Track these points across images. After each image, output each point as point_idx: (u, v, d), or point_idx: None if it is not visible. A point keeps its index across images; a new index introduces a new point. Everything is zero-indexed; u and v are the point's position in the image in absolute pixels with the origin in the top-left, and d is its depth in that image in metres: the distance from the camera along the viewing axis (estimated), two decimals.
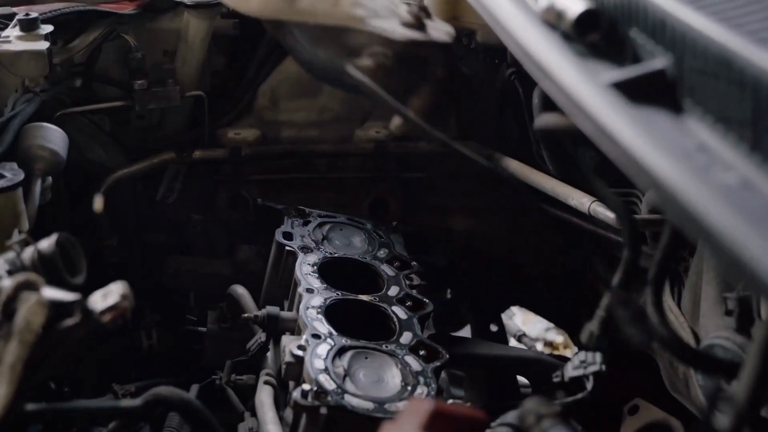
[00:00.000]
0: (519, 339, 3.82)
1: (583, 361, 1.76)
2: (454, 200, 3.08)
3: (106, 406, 1.38)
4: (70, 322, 1.34)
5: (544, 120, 1.54)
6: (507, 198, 2.99)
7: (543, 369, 2.56)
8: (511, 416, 1.44)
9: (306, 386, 1.88)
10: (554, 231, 3.03)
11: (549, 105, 2.42)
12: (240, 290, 2.50)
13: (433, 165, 3.04)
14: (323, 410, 1.85)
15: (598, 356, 1.76)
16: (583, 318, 2.92)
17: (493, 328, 3.26)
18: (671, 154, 0.97)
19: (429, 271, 2.57)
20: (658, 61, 1.19)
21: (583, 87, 1.20)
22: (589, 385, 1.73)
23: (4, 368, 1.29)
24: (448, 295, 3.07)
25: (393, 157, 2.97)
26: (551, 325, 5.14)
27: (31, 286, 1.35)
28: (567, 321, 3.30)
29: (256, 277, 2.69)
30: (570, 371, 1.75)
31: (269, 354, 2.32)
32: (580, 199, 2.32)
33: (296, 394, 1.87)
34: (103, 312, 1.38)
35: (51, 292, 1.36)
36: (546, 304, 3.22)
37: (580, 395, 1.75)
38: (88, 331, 1.35)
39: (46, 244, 1.52)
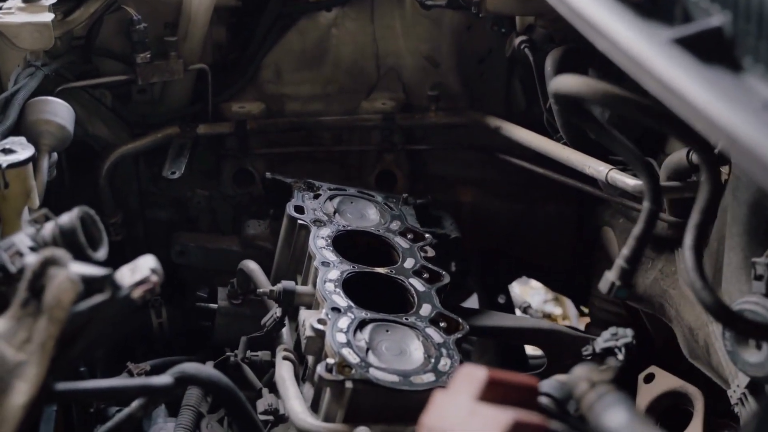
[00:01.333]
0: (524, 311, 3.80)
1: (614, 334, 1.74)
2: (460, 172, 3.05)
3: (137, 385, 1.33)
4: (100, 298, 1.30)
5: (561, 83, 1.50)
6: (514, 169, 2.95)
7: (558, 340, 2.54)
8: (549, 385, 1.41)
9: (330, 360, 1.85)
10: (565, 201, 3.00)
11: (564, 71, 2.40)
12: (251, 265, 2.45)
13: (439, 137, 3.00)
14: (348, 384, 1.82)
15: (629, 330, 1.74)
16: (592, 289, 2.92)
17: (501, 299, 3.24)
18: (741, 110, 0.94)
19: (441, 243, 2.54)
20: (715, 19, 1.16)
21: (645, 44, 1.17)
22: (621, 357, 1.70)
23: (34, 347, 1.25)
24: (453, 267, 3.04)
25: (399, 129, 2.92)
26: (549, 296, 5.14)
27: (57, 262, 1.30)
28: (577, 292, 3.27)
29: (266, 252, 2.65)
30: (601, 343, 1.73)
31: (285, 329, 2.29)
32: (597, 167, 2.29)
33: (320, 369, 1.84)
34: (133, 287, 1.34)
35: (79, 267, 1.32)
36: (555, 276, 3.19)
37: (616, 364, 1.73)
38: (119, 307, 1.31)
39: (67, 218, 1.47)
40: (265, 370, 2.30)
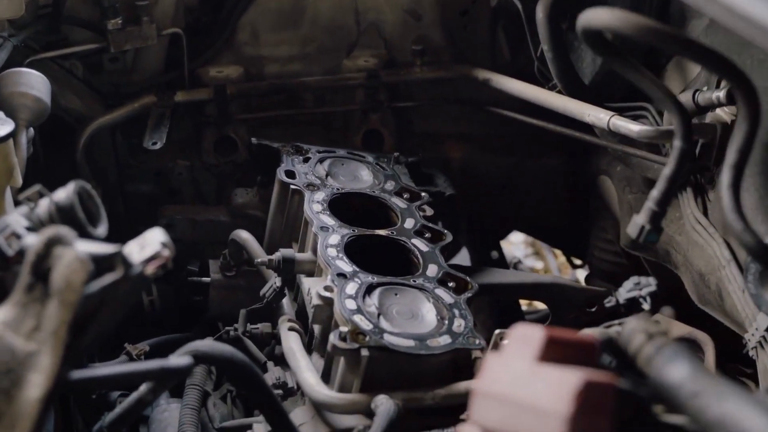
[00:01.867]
0: (515, 266, 3.76)
1: (637, 283, 1.67)
2: (448, 128, 2.97)
3: (155, 368, 1.24)
4: (112, 277, 1.20)
5: (591, 17, 1.41)
6: (503, 122, 2.88)
7: (562, 293, 2.48)
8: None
9: (343, 329, 1.77)
10: (557, 152, 2.94)
11: (558, 19, 2.33)
12: (244, 235, 2.36)
13: (425, 92, 2.92)
14: (365, 352, 1.75)
15: (652, 279, 1.67)
16: (589, 239, 2.87)
17: (494, 255, 3.18)
18: None
19: (437, 201, 2.47)
20: None
21: None
22: (648, 306, 1.64)
23: (44, 335, 1.15)
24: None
25: (384, 87, 2.83)
26: (530, 251, 5.12)
27: (63, 241, 1.20)
28: (570, 244, 3.23)
29: (256, 221, 2.56)
30: (624, 294, 1.66)
31: (286, 300, 2.20)
32: (597, 114, 2.22)
33: (333, 338, 1.76)
34: (145, 263, 1.25)
35: (86, 246, 1.22)
36: (548, 229, 3.14)
37: (639, 316, 1.67)
38: (133, 286, 1.21)
39: (63, 194, 1.37)
40: (267, 343, 2.22)
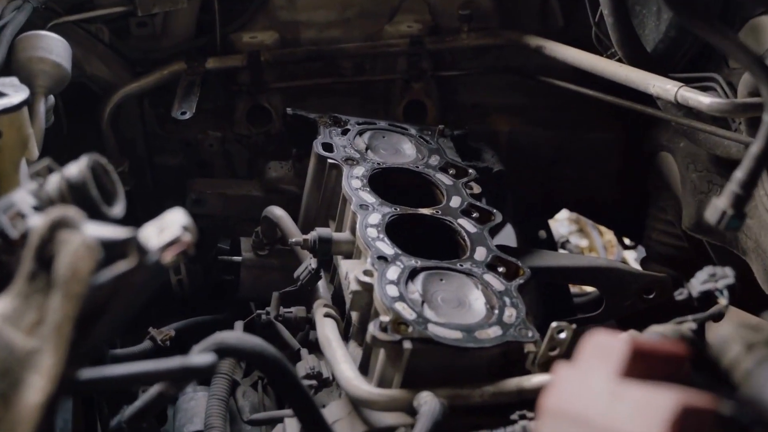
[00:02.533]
0: (563, 246, 3.58)
1: (712, 275, 1.50)
2: (495, 98, 2.80)
3: (176, 367, 1.10)
4: (125, 265, 1.05)
5: None
6: (553, 93, 2.70)
7: (619, 279, 2.30)
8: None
9: (384, 318, 1.61)
10: (611, 126, 2.75)
11: None
12: (278, 212, 2.21)
13: (471, 61, 2.74)
14: (407, 344, 1.59)
15: (728, 269, 1.49)
16: (647, 220, 2.68)
17: (542, 235, 3.01)
18: None
19: (484, 177, 2.30)
20: None
21: None
22: (725, 300, 1.46)
23: (47, 330, 1.01)
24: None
25: (428, 54, 2.65)
26: (574, 228, 4.92)
27: (69, 224, 1.06)
28: (622, 224, 3.04)
29: (291, 196, 2.41)
30: (698, 286, 1.49)
31: (321, 282, 2.05)
32: (664, 86, 2.02)
33: (373, 328, 1.60)
34: (163, 249, 1.10)
35: (96, 229, 1.07)
36: (600, 207, 2.95)
37: (715, 311, 1.50)
38: (149, 275, 1.06)
39: (75, 169, 1.22)
40: (301, 328, 2.08)
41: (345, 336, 1.91)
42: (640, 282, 2.31)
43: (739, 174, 1.37)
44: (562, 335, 1.61)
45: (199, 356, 1.13)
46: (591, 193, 2.89)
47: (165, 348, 1.95)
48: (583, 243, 4.80)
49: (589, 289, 3.14)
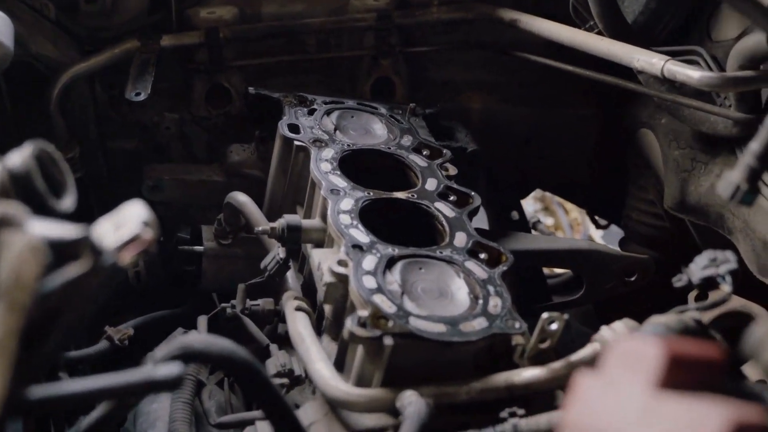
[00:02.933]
0: (534, 226, 3.49)
1: (713, 260, 1.40)
2: (466, 75, 2.68)
3: (138, 382, 0.97)
4: (77, 269, 0.92)
5: None
6: (527, 70, 2.59)
7: (600, 261, 2.22)
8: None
9: (362, 312, 1.49)
10: (586, 102, 2.65)
11: None
12: (241, 198, 2.07)
13: (442, 36, 2.62)
14: (388, 340, 1.47)
15: (730, 253, 1.40)
16: (626, 199, 2.59)
17: (514, 216, 2.90)
18: None
19: (458, 157, 2.18)
20: None
21: None
22: (728, 287, 1.37)
23: None
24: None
25: (396, 29, 2.52)
26: (539, 206, 4.85)
27: (11, 222, 0.92)
28: (598, 204, 2.95)
29: (255, 181, 2.28)
30: (698, 272, 1.39)
31: (290, 272, 1.93)
32: (649, 60, 1.92)
33: (351, 324, 1.48)
34: (121, 248, 0.96)
35: (43, 228, 0.93)
36: (576, 186, 2.85)
37: (718, 298, 1.40)
38: (105, 279, 0.93)
39: (18, 158, 1.08)
40: (269, 321, 1.95)
41: (317, 329, 1.79)
42: (622, 264, 2.23)
43: (755, 145, 1.27)
44: (553, 326, 1.51)
45: (164, 367, 1.00)
46: (566, 172, 2.80)
47: (123, 348, 1.81)
48: (549, 221, 4.74)
49: (560, 270, 3.06)
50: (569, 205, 4.67)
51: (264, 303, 1.94)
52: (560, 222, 4.75)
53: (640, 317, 2.51)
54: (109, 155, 2.53)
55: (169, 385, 0.99)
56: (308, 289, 1.91)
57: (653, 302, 2.52)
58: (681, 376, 0.76)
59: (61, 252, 0.91)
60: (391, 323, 1.50)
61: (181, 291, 2.25)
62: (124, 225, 0.98)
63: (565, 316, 1.50)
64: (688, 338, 1.21)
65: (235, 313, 1.92)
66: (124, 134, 2.53)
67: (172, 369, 1.00)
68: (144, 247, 0.98)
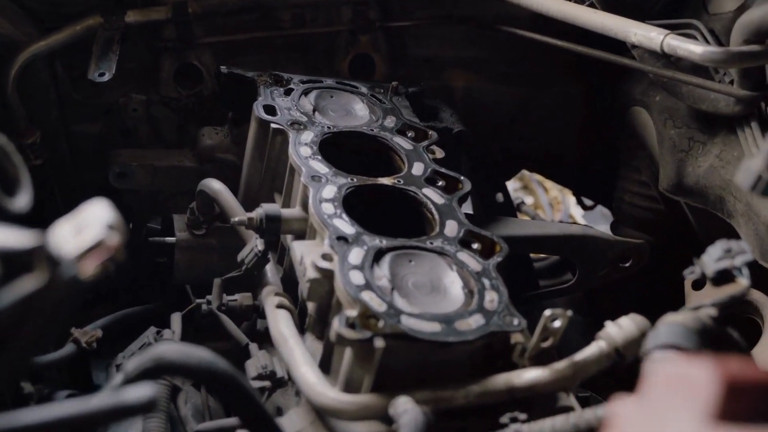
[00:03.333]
0: (518, 208, 3.38)
1: (727, 251, 1.29)
2: (449, 52, 2.56)
3: (107, 409, 0.84)
4: (32, 283, 0.79)
5: None
6: (513, 45, 2.47)
7: (594, 247, 2.12)
8: None
9: (350, 312, 1.38)
10: (574, 79, 2.54)
11: None
12: (215, 185, 1.95)
13: (423, 10, 2.49)
14: (379, 342, 1.36)
15: (744, 243, 1.29)
16: (617, 181, 2.48)
17: (499, 198, 2.80)
18: None
19: (444, 139, 2.07)
20: None
21: None
22: (745, 280, 1.26)
23: None
24: None
25: (375, 3, 2.39)
26: (518, 185, 4.75)
27: None
28: (583, 184, 2.85)
29: (229, 166, 2.16)
30: (711, 264, 1.28)
31: (270, 266, 1.81)
32: (647, 34, 1.81)
33: (338, 325, 1.36)
34: (82, 258, 0.84)
35: None
36: (563, 167, 2.75)
37: (736, 293, 1.30)
38: (64, 294, 0.80)
39: None
40: (247, 317, 1.84)
41: (300, 326, 1.68)
42: (616, 249, 2.14)
43: None
44: (556, 324, 1.40)
45: (134, 390, 0.88)
46: (552, 152, 2.70)
47: (91, 351, 1.68)
48: (528, 200, 4.64)
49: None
50: (549, 184, 4.58)
51: (242, 298, 1.83)
52: (540, 201, 4.66)
53: (631, 301, 2.42)
54: (73, 140, 2.39)
55: (141, 409, 0.87)
56: (289, 281, 1.80)
57: (644, 286, 2.45)
58: (739, 405, 0.65)
59: (12, 264, 0.78)
60: (381, 323, 1.38)
61: (153, 285, 2.12)
62: (86, 229, 0.86)
63: (569, 313, 1.39)
64: (726, 354, 1.11)
65: (211, 309, 1.80)
66: (88, 117, 2.39)
67: (144, 392, 0.88)
68: (109, 255, 0.86)
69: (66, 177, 2.34)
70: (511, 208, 2.79)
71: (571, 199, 4.51)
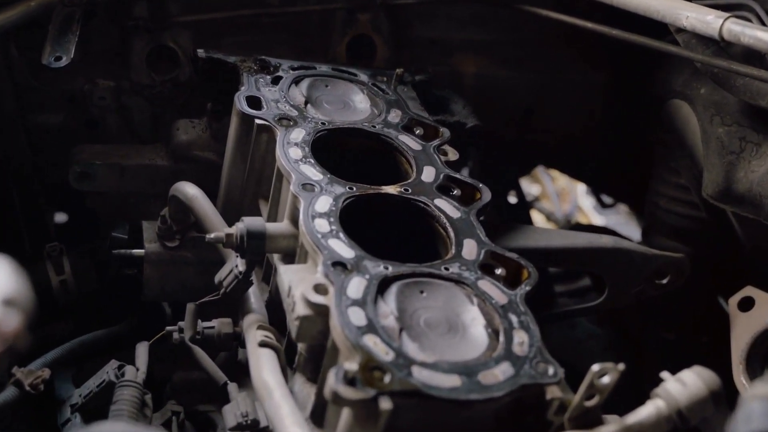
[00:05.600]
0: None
1: None
2: (459, 33, 2.30)
3: None
4: None
5: None
6: (530, 26, 2.19)
7: (628, 262, 1.84)
8: None
9: (349, 365, 1.10)
10: (601, 65, 2.26)
11: None
12: (190, 190, 1.69)
13: None
14: (386, 404, 1.09)
15: None
16: (651, 182, 2.22)
17: (512, 198, 2.53)
18: None
19: (456, 135, 1.79)
20: None
21: None
22: None
23: None
24: None
25: None
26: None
27: None
28: (606, 183, 2.58)
29: (208, 166, 1.89)
30: None
31: (253, 289, 1.53)
32: (703, 17, 1.55)
33: (334, 381, 1.09)
34: None
35: None
36: (584, 164, 2.47)
37: None
38: None
39: None
40: (226, 347, 1.56)
41: (289, 360, 1.41)
42: (653, 264, 1.85)
43: None
44: (605, 380, 1.13)
45: None
46: (572, 146, 2.41)
47: (37, 395, 1.40)
48: (534, 190, 4.37)
49: None
50: (556, 172, 4.30)
51: (220, 325, 1.56)
52: (546, 190, 4.39)
53: (661, 318, 2.13)
54: (32, 133, 2.12)
55: None
56: (276, 306, 1.52)
57: (677, 301, 2.19)
58: None
59: None
60: (388, 377, 1.12)
61: (121, 301, 1.84)
62: None
63: (620, 367, 1.12)
64: None
65: (182, 340, 1.52)
66: (48, 107, 2.13)
67: None
68: (5, 345, 0.58)
69: (24, 177, 2.06)
70: (526, 210, 2.53)
71: (580, 189, 4.26)
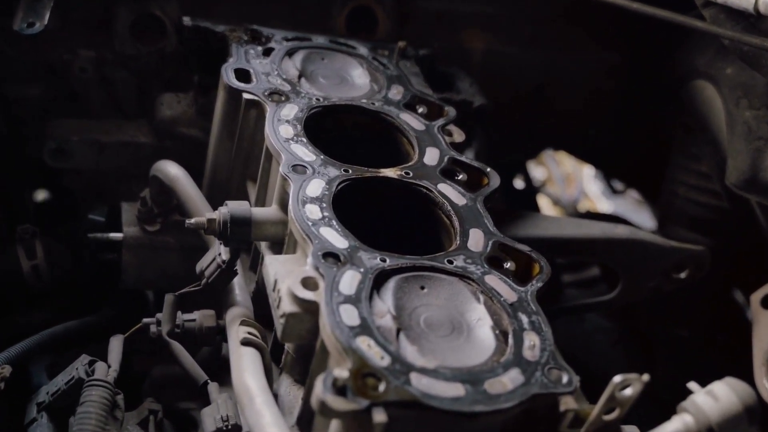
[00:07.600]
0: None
1: None
2: (466, 6, 2.18)
3: None
4: None
5: None
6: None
7: (643, 253, 1.72)
8: None
9: (339, 372, 0.97)
10: (616, 43, 2.13)
11: None
12: (172, 170, 1.56)
13: None
14: (380, 416, 0.96)
15: None
16: (671, 171, 2.08)
17: (519, 183, 2.40)
18: None
19: (462, 114, 1.66)
20: None
21: None
22: None
23: None
24: None
25: None
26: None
27: None
28: (620, 168, 2.45)
29: (193, 143, 1.76)
30: None
31: (237, 281, 1.40)
32: None
33: (322, 390, 0.97)
34: None
35: None
36: (596, 148, 2.34)
37: None
38: None
39: None
40: (209, 342, 1.43)
41: (275, 359, 1.29)
42: (671, 257, 1.73)
43: None
44: (627, 392, 1.00)
45: None
46: (583, 128, 2.28)
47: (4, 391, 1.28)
48: (539, 174, 4.24)
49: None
50: (562, 156, 4.17)
51: (202, 318, 1.43)
52: (552, 174, 4.26)
53: (675, 312, 2.00)
54: (9, 105, 1.97)
55: None
56: (263, 298, 1.39)
57: (693, 295, 2.06)
58: None
59: None
60: (383, 386, 0.99)
61: (95, 289, 1.71)
62: None
63: (645, 378, 0.99)
64: None
65: (159, 334, 1.40)
66: (26, 78, 1.97)
67: None
68: None
69: (1, 152, 1.93)
70: (533, 197, 2.40)
71: (587, 174, 4.13)
